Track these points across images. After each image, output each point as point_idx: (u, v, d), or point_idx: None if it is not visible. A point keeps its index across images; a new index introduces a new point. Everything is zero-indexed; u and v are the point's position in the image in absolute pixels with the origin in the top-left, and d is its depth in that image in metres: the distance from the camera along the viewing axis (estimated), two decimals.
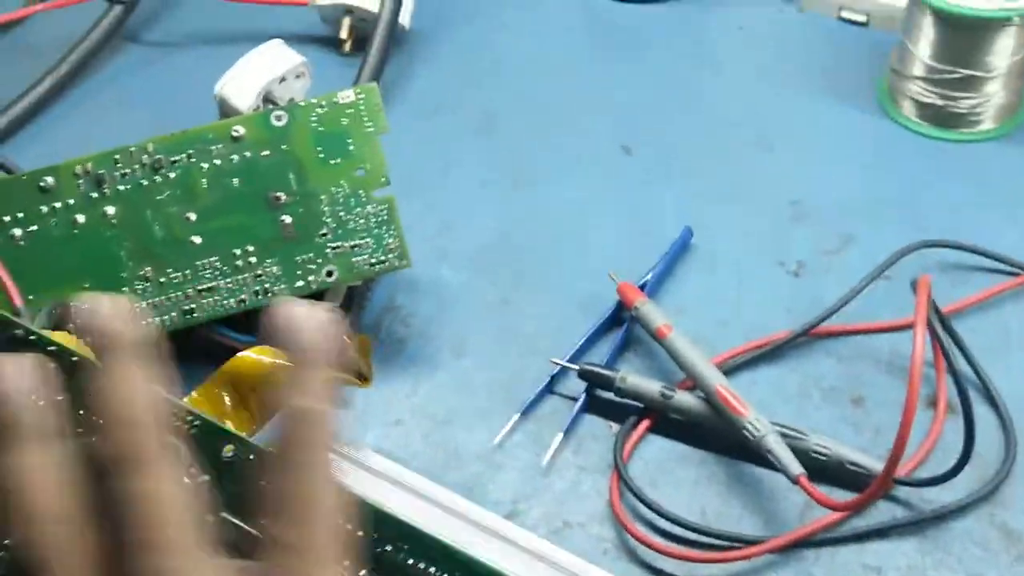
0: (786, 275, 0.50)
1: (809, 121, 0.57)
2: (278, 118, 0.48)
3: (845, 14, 0.62)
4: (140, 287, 0.46)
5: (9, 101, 0.61)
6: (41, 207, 0.47)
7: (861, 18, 0.61)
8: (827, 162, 0.55)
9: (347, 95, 0.48)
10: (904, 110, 0.56)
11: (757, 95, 0.59)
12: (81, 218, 0.47)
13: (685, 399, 0.44)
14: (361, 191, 0.47)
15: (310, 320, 0.25)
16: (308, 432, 0.24)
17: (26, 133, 0.61)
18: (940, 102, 0.54)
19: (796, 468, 0.40)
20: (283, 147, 0.48)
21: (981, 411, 0.43)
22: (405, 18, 0.63)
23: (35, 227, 0.47)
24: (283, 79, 0.58)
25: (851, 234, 0.51)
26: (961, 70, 0.53)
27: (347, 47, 0.64)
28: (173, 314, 0.46)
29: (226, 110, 0.57)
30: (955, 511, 0.40)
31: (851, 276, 0.48)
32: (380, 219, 0.47)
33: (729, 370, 0.45)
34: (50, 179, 0.47)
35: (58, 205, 0.47)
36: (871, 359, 0.46)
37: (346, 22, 0.63)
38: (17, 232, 0.46)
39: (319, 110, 0.48)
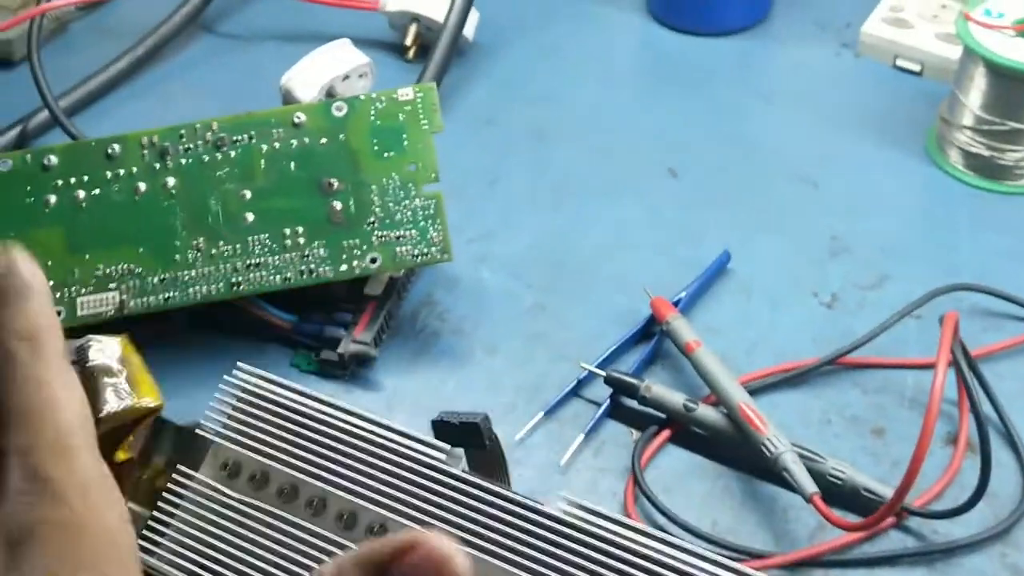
0: (819, 306, 0.51)
1: (855, 162, 0.58)
2: (339, 108, 0.50)
3: (900, 62, 0.63)
4: (191, 256, 0.48)
5: (86, 76, 0.64)
6: (106, 172, 0.49)
7: (915, 67, 0.62)
8: (870, 202, 0.56)
9: (406, 92, 0.50)
10: (951, 158, 0.57)
11: (806, 132, 0.60)
12: (142, 186, 0.49)
13: (707, 413, 0.44)
14: (411, 184, 0.49)
15: None
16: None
17: (98, 108, 0.64)
18: (987, 153, 0.55)
19: (811, 487, 0.41)
20: (340, 137, 0.49)
21: (1001, 453, 0.44)
22: (469, 30, 0.65)
23: (98, 191, 0.49)
24: (347, 77, 0.60)
25: (887, 273, 0.52)
26: (1010, 122, 0.53)
27: (411, 54, 0.66)
28: (220, 285, 0.48)
29: (290, 101, 0.59)
30: (966, 546, 0.41)
31: (883, 312, 0.48)
32: (427, 213, 0.48)
33: (754, 390, 0.46)
34: (117, 147, 0.49)
35: (122, 172, 0.49)
36: (896, 393, 0.47)
37: (412, 29, 0.65)
38: (81, 194, 0.49)
39: (378, 104, 0.50)
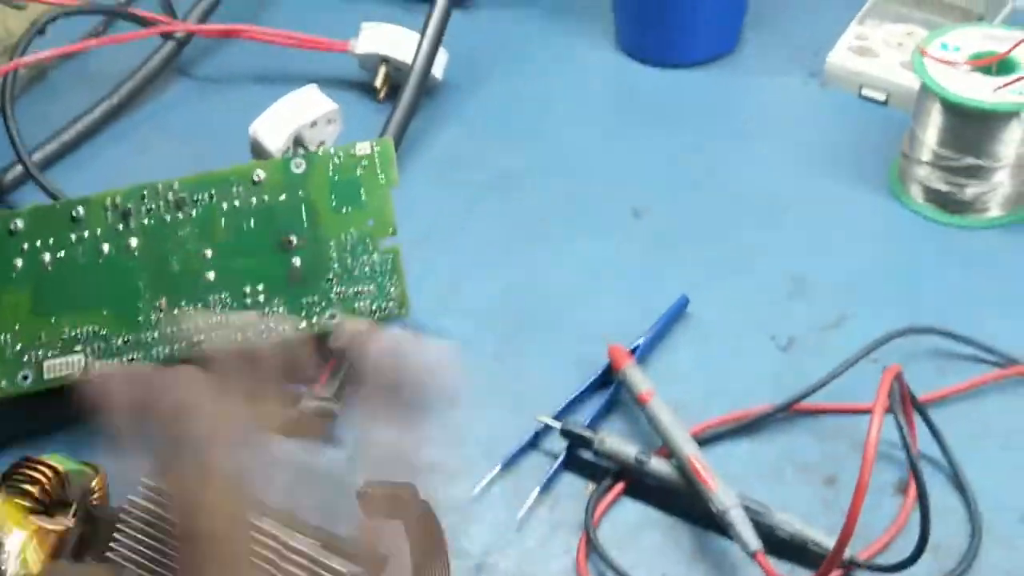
0: (776, 349, 0.51)
1: (819, 198, 0.58)
2: (297, 165, 0.51)
3: (865, 92, 0.63)
4: (154, 317, 0.49)
5: (59, 128, 0.65)
6: (71, 235, 0.50)
7: (881, 96, 0.62)
8: (832, 240, 0.56)
9: (364, 147, 0.51)
10: (912, 194, 0.57)
11: (772, 167, 0.60)
12: (106, 248, 0.50)
13: (659, 466, 0.45)
14: (368, 239, 0.49)
15: None
16: None
17: (75, 158, 0.65)
18: (946, 188, 0.55)
19: (755, 543, 0.41)
20: (299, 193, 0.50)
21: (950, 501, 0.44)
22: (438, 70, 0.65)
23: (63, 253, 0.50)
24: (314, 123, 0.61)
25: (846, 313, 0.52)
26: (967, 158, 0.53)
27: (382, 95, 0.66)
28: (184, 343, 0.48)
29: (258, 149, 0.59)
30: None
31: (840, 354, 0.49)
32: (385, 268, 0.49)
33: (707, 440, 0.46)
34: (81, 209, 0.50)
35: (86, 234, 0.50)
36: (848, 440, 0.47)
37: (382, 70, 0.66)
38: (47, 257, 0.50)
39: (336, 159, 0.51)
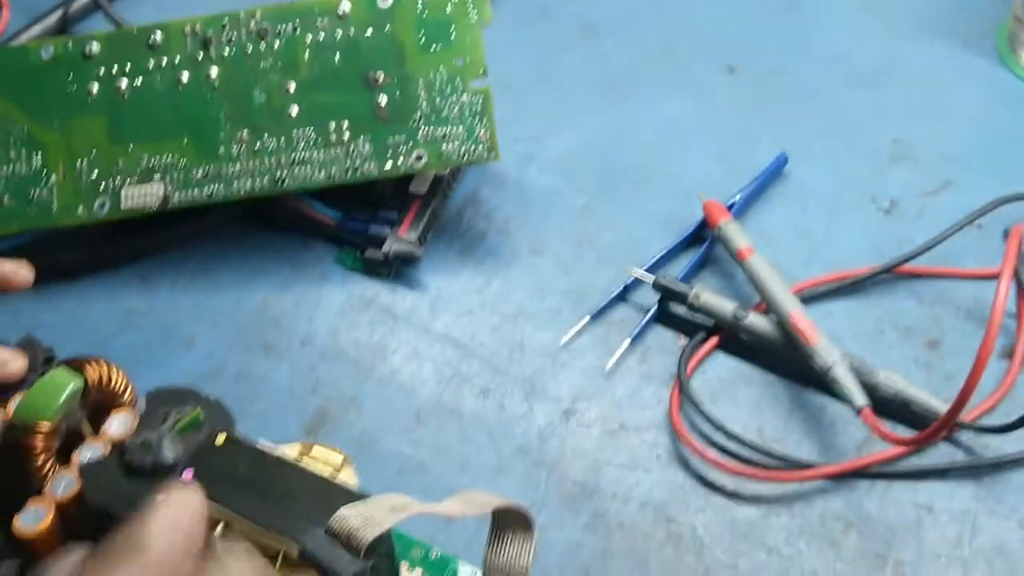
0: (877, 212, 0.49)
1: (921, 62, 0.56)
2: (384, 0, 0.48)
3: None
4: (235, 150, 0.47)
5: None
6: (148, 61, 0.48)
7: None
8: (935, 105, 0.54)
9: None
10: (1022, 60, 0.54)
11: (870, 31, 0.58)
12: (185, 77, 0.48)
13: (757, 321, 0.44)
14: (458, 79, 0.47)
15: None
16: None
17: None
18: None
19: (861, 399, 0.40)
20: (386, 29, 0.48)
21: None
22: None
23: (140, 80, 0.48)
24: None
25: (950, 179, 0.50)
26: None
27: None
28: (264, 179, 0.47)
29: None
30: (1015, 462, 0.40)
31: (944, 220, 0.47)
32: (474, 109, 0.47)
33: (807, 299, 0.45)
34: (159, 35, 0.48)
35: (164, 61, 0.48)
36: (953, 305, 0.45)
37: None
38: (123, 84, 0.48)
39: None
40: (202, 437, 0.31)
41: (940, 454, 0.41)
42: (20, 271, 0.39)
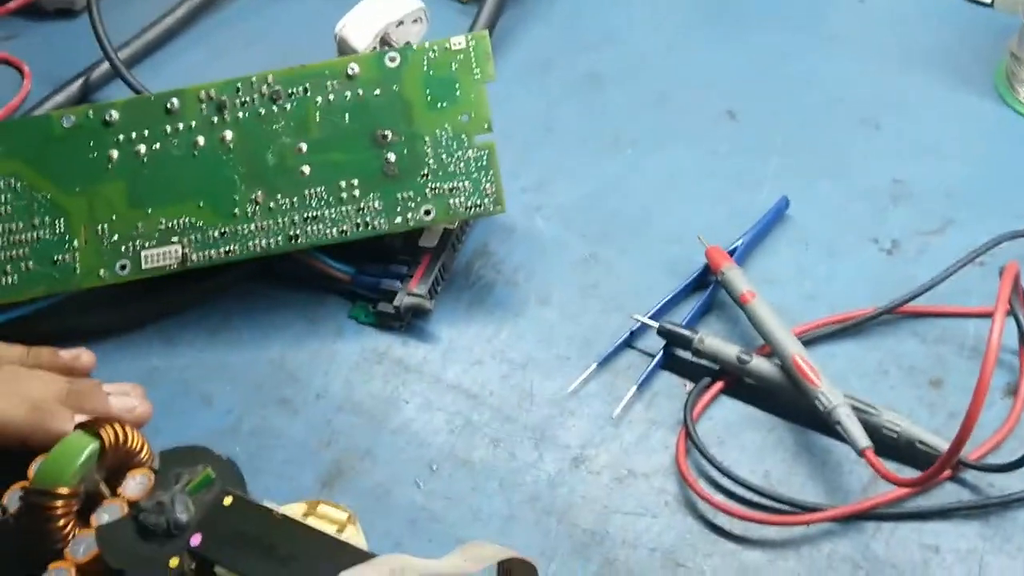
0: (879, 253, 0.50)
1: (921, 101, 0.57)
2: (392, 59, 0.50)
3: None
4: (250, 210, 0.49)
5: (143, 27, 0.64)
6: (166, 127, 0.50)
7: None
8: (934, 144, 0.54)
9: (459, 41, 0.50)
10: (1021, 96, 0.55)
11: (870, 71, 0.59)
12: (201, 140, 0.50)
13: (761, 365, 0.44)
14: (464, 135, 0.49)
15: None
16: None
17: (154, 60, 0.65)
18: None
19: (864, 441, 0.40)
20: (394, 88, 0.49)
21: None
22: None
23: (158, 145, 0.50)
24: (401, 23, 0.59)
25: (951, 218, 0.51)
26: None
27: None
28: (279, 238, 0.48)
29: (344, 50, 0.59)
30: (1021, 500, 0.40)
31: (946, 259, 0.47)
32: (480, 164, 0.48)
33: (809, 341, 0.46)
34: (176, 101, 0.50)
35: (181, 126, 0.50)
36: (955, 343, 0.46)
37: None
38: (142, 148, 0.50)
39: (431, 54, 0.50)
40: (213, 496, 0.33)
41: (946, 494, 0.41)
42: (81, 357, 0.45)
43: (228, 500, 0.31)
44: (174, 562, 0.31)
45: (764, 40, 0.61)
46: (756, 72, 0.59)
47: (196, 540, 0.31)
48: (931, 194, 0.52)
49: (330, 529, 0.31)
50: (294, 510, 0.32)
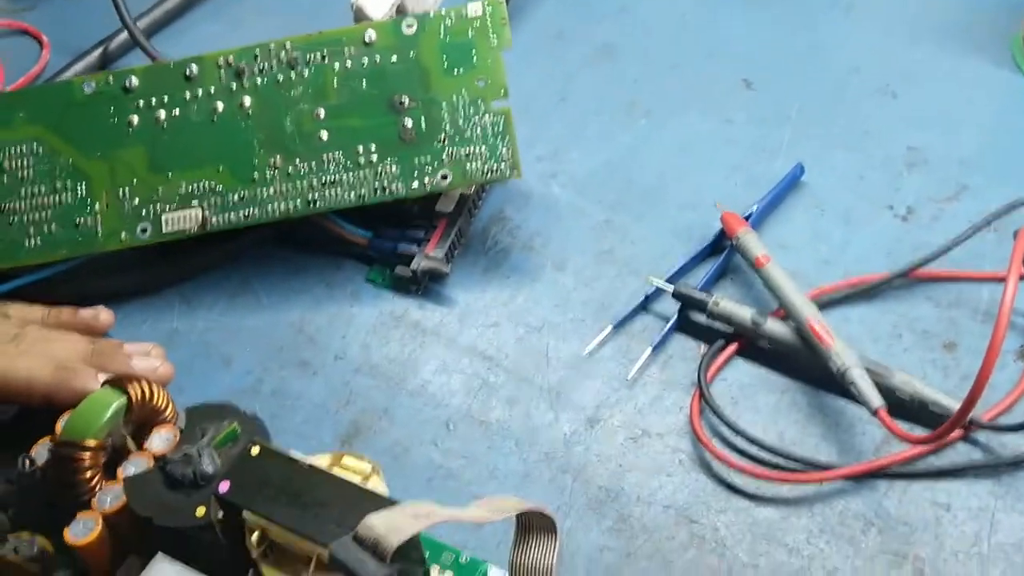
0: (893, 219, 0.50)
1: (936, 70, 0.57)
2: (408, 26, 0.50)
3: None
4: (269, 174, 0.49)
5: None
6: (185, 93, 0.50)
7: None
8: (950, 112, 0.54)
9: (475, 8, 0.50)
10: None
11: (886, 41, 0.59)
12: (220, 106, 0.50)
13: (775, 327, 0.45)
14: (480, 101, 0.49)
15: None
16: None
17: (172, 29, 0.65)
18: None
19: (877, 401, 0.41)
20: (411, 54, 0.50)
21: None
22: None
23: (177, 111, 0.50)
24: None
25: (966, 184, 0.51)
26: None
27: None
28: (297, 202, 0.49)
29: (361, 19, 0.59)
30: None
31: (960, 225, 0.48)
32: (496, 129, 0.49)
33: (823, 305, 0.46)
34: (195, 68, 0.50)
35: (200, 92, 0.50)
36: (969, 307, 0.46)
37: None
38: (161, 115, 0.50)
39: (448, 21, 0.50)
40: (239, 449, 0.33)
41: (958, 454, 0.42)
42: (100, 315, 0.46)
43: (255, 450, 0.32)
44: (200, 511, 0.32)
45: (780, 9, 0.61)
46: (772, 41, 0.60)
47: (224, 487, 0.31)
48: (946, 161, 0.52)
49: (355, 479, 0.32)
50: (319, 461, 0.33)
